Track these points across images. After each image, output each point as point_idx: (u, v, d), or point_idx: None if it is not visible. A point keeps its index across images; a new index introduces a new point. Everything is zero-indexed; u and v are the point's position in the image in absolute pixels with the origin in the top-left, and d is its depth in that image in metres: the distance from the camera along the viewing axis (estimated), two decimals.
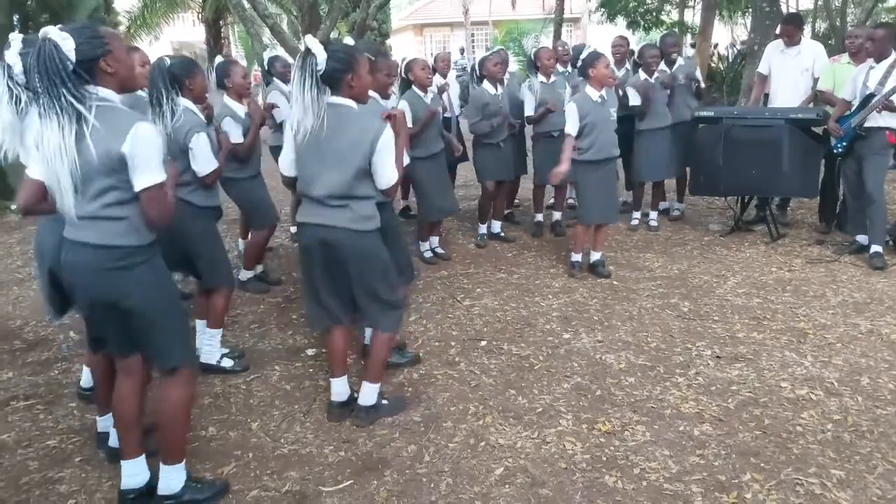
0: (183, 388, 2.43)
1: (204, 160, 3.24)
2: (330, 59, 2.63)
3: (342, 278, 2.86)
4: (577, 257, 4.97)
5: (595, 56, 4.49)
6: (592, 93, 4.52)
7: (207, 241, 3.37)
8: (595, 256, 4.95)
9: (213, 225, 3.45)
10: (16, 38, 2.45)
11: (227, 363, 3.62)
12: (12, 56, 2.28)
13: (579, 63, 4.60)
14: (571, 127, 4.50)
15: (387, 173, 2.73)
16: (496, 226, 5.85)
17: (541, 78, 5.53)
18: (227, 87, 4.37)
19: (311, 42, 2.64)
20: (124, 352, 2.44)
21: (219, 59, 4.63)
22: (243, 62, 21.48)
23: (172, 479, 2.48)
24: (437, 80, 5.71)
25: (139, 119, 2.16)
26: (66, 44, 2.06)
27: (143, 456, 2.52)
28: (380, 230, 2.86)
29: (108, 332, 2.39)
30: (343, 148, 2.67)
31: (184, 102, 3.22)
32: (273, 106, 5.06)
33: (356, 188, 2.72)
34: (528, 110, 5.56)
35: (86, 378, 3.30)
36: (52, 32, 2.06)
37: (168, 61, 3.20)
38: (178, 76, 3.20)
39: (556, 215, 6.02)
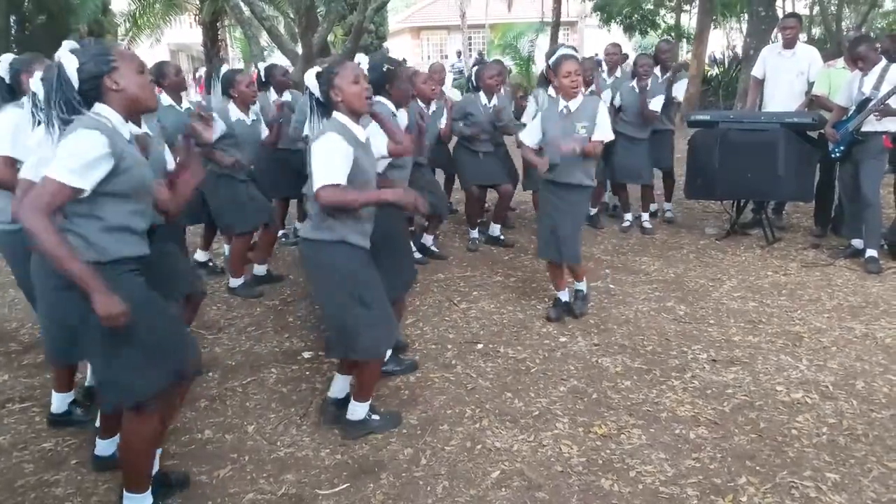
0: (137, 422, 2.28)
1: None
2: (319, 85, 2.76)
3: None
4: (561, 294, 4.24)
5: (558, 60, 3.87)
6: (559, 102, 3.95)
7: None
8: (577, 286, 4.25)
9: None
10: (5, 59, 2.46)
11: None
12: (36, 84, 2.28)
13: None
14: (525, 134, 4.10)
15: (316, 174, 2.61)
16: (496, 229, 5.87)
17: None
18: (233, 97, 4.43)
19: (308, 76, 2.79)
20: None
21: (225, 67, 4.70)
22: (240, 65, 21.54)
23: None
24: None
25: (81, 126, 2.05)
26: (70, 66, 2.08)
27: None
28: (346, 242, 2.71)
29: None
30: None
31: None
32: (285, 106, 5.15)
33: (311, 192, 2.71)
34: (525, 119, 5.51)
35: (56, 403, 3.12)
36: (63, 55, 2.08)
37: None
38: None
39: None
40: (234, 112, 4.45)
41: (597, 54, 8.55)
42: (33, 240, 2.01)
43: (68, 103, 2.07)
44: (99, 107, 2.15)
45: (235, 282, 4.85)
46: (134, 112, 2.26)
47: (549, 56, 4.36)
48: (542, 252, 4.17)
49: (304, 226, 2.83)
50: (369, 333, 2.78)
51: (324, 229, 2.70)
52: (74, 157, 2.02)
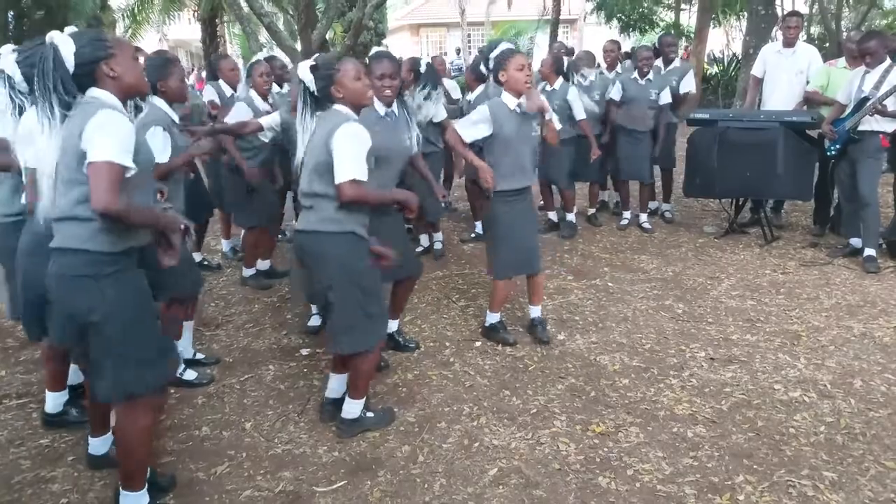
0: (136, 416, 2.26)
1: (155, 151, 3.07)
2: (317, 80, 2.74)
3: (317, 285, 2.82)
4: (493, 318, 3.89)
5: (505, 56, 3.53)
6: (509, 100, 3.52)
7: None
8: (534, 313, 3.92)
9: None
10: (6, 50, 2.43)
11: (190, 375, 3.45)
12: (10, 66, 2.25)
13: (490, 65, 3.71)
14: (465, 130, 3.58)
15: (341, 166, 2.60)
16: None
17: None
18: (251, 86, 4.63)
19: (301, 69, 2.75)
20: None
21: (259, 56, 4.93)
22: (239, 61, 21.47)
23: None
24: None
25: (104, 107, 2.08)
26: (66, 48, 2.06)
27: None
28: (354, 234, 2.74)
29: (84, 358, 2.25)
30: (313, 144, 2.73)
31: (154, 100, 3.21)
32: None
33: (318, 184, 2.71)
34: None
35: (51, 403, 3.07)
36: (56, 37, 2.07)
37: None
38: (150, 78, 3.18)
39: (570, 216, 5.99)
40: (255, 97, 4.60)
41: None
42: (118, 222, 2.04)
43: (52, 85, 2.04)
44: (96, 91, 2.13)
45: (248, 271, 4.92)
46: (126, 97, 2.24)
47: (489, 50, 3.88)
48: (503, 270, 3.72)
49: (304, 218, 2.80)
50: (369, 325, 2.81)
51: (331, 221, 2.71)
52: (120, 137, 2.03)
